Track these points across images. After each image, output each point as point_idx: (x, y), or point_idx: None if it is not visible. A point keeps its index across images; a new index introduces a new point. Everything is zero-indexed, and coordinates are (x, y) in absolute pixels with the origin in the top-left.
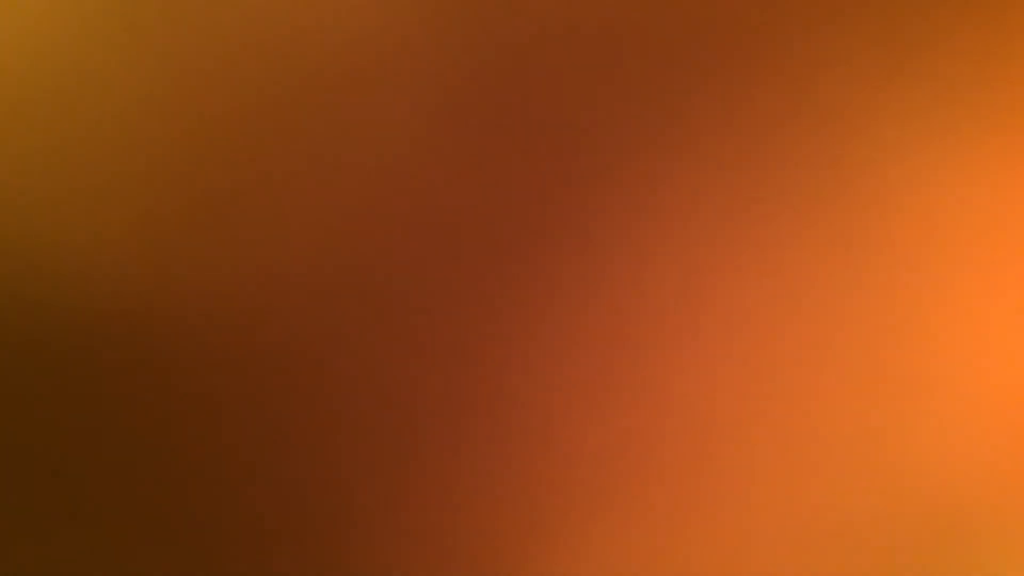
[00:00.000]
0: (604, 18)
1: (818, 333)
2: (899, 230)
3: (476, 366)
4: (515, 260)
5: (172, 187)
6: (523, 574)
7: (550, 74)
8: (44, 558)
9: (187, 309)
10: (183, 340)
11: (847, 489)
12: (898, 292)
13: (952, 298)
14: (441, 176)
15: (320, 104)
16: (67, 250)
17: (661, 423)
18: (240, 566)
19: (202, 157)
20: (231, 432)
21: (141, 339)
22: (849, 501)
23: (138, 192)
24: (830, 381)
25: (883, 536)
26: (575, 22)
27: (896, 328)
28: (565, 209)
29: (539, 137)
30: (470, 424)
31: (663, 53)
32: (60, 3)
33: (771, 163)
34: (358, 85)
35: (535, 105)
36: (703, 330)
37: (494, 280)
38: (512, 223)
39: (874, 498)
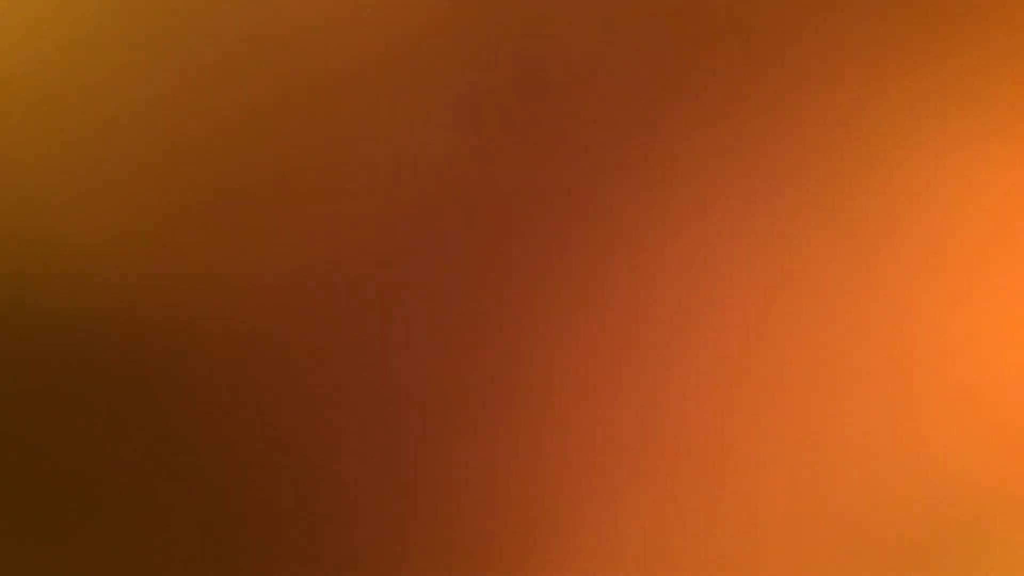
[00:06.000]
0: (612, 13)
1: (828, 329)
2: (910, 225)
3: (485, 363)
4: (523, 257)
5: (179, 188)
6: (532, 569)
7: (558, 73)
8: (48, 561)
9: (195, 311)
10: (191, 342)
11: (861, 485)
12: (909, 288)
13: (965, 293)
14: (451, 175)
15: (330, 103)
16: (71, 253)
17: (671, 419)
18: (246, 566)
19: (209, 158)
20: (237, 431)
21: (147, 342)
22: (863, 497)
23: (145, 194)
24: (841, 377)
25: (898, 533)
26: (585, 19)
27: (907, 323)
28: (575, 206)
29: (547, 136)
30: (479, 421)
31: (671, 48)
32: (65, 3)
33: (779, 158)
34: (367, 84)
35: (545, 104)
36: (713, 326)
37: (503, 277)
38: (520, 221)
39: (887, 494)
